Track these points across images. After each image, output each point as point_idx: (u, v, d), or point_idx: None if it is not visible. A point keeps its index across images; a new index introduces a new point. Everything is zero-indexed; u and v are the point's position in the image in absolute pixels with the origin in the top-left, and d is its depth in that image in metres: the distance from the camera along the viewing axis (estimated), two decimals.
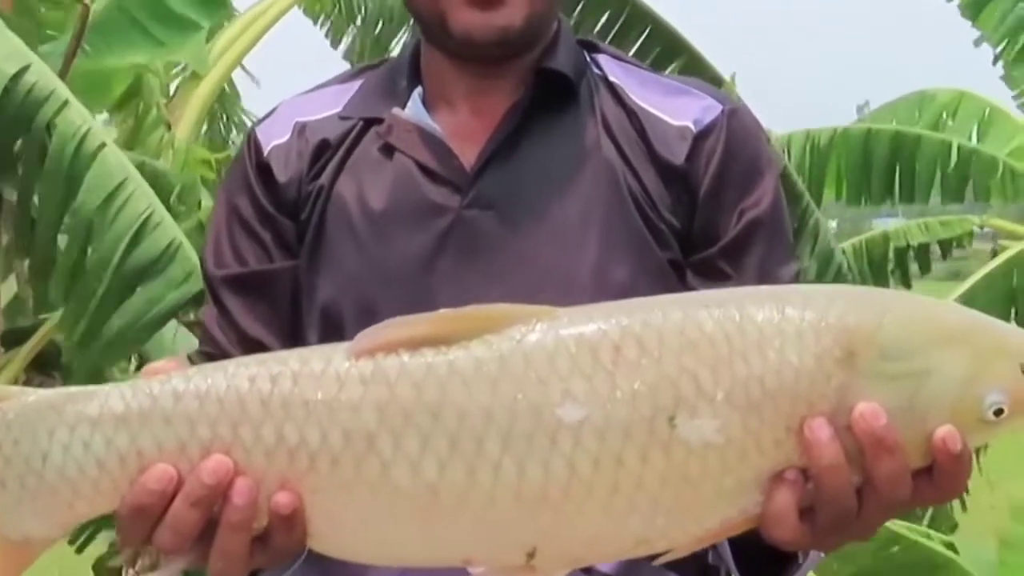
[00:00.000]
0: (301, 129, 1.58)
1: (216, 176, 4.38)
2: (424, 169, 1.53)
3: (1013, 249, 5.20)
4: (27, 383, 3.32)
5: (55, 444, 1.12)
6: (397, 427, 1.10)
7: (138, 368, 3.61)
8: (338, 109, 1.60)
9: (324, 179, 1.55)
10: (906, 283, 6.24)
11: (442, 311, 1.17)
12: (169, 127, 4.28)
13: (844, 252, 5.94)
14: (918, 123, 6.48)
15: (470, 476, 1.10)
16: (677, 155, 1.53)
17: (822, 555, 1.40)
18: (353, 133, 1.57)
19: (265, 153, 1.57)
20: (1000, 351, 1.16)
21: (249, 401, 1.11)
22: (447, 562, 1.18)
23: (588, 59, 1.61)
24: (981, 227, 6.20)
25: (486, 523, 1.12)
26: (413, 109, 1.56)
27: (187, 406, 1.11)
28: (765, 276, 1.49)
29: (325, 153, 1.56)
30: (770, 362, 1.12)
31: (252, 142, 1.60)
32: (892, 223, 6.09)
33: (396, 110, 1.56)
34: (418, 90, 1.57)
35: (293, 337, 1.52)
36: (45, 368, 3.42)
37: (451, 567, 1.18)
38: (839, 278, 5.83)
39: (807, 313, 1.14)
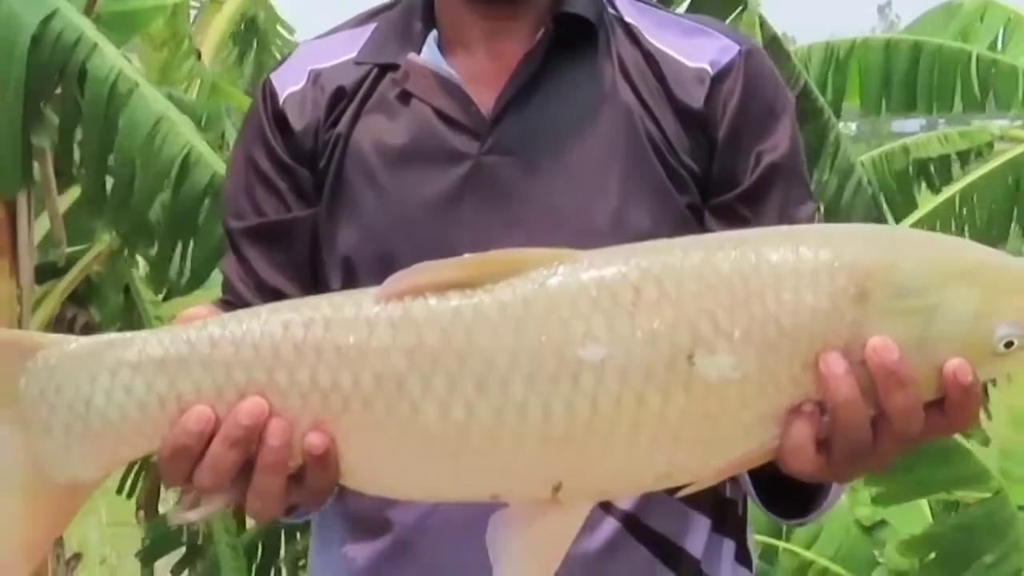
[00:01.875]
0: (316, 77, 1.59)
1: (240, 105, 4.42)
2: (442, 115, 1.54)
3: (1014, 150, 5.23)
4: (63, 316, 3.40)
5: (97, 389, 1.17)
6: (426, 370, 1.16)
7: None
8: (353, 54, 1.60)
9: (342, 127, 1.56)
10: (933, 189, 6.25)
11: (467, 256, 1.22)
12: (199, 56, 4.31)
13: (863, 165, 5.95)
14: (944, 34, 6.45)
15: (497, 416, 1.16)
16: (695, 98, 1.55)
17: (842, 495, 1.45)
18: (369, 79, 1.58)
19: (281, 102, 1.58)
20: (1011, 286, 1.20)
21: (283, 346, 1.16)
22: (476, 497, 1.24)
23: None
24: (1001, 137, 6.19)
25: (513, 461, 1.18)
26: (429, 54, 1.56)
27: (223, 351, 1.16)
28: (784, 219, 1.52)
29: (341, 101, 1.57)
30: (786, 301, 1.17)
31: (267, 91, 1.61)
32: (909, 126, 6.09)
33: (412, 55, 1.56)
34: (433, 34, 1.57)
35: (313, 284, 1.55)
36: (81, 301, 3.49)
37: (480, 503, 1.25)
38: (859, 192, 5.83)
39: (822, 253, 1.19)
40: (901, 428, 1.21)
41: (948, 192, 5.47)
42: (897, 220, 5.98)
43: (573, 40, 1.57)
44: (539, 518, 1.21)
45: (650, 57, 1.58)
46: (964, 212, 5.65)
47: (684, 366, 1.17)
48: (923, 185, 6.07)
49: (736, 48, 1.59)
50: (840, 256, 1.20)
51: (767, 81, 1.60)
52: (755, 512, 1.56)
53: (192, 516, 1.24)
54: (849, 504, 3.43)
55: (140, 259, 3.50)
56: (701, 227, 1.54)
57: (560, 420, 1.17)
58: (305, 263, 1.57)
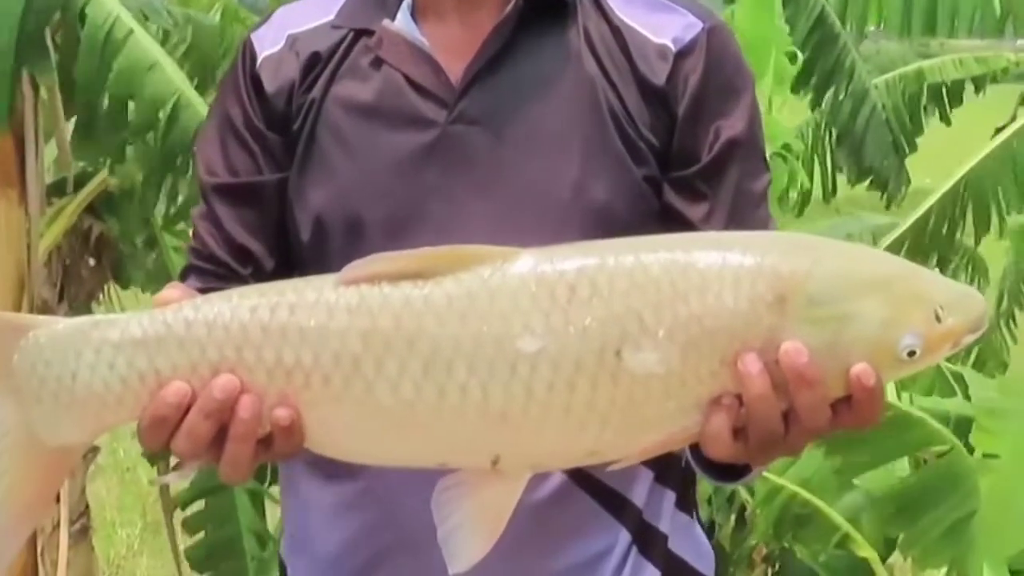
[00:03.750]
0: (292, 42, 1.64)
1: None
2: (412, 83, 1.59)
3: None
4: (80, 226, 3.48)
5: (83, 364, 1.30)
6: (379, 352, 1.28)
7: None
8: (330, 17, 1.65)
9: (316, 91, 1.61)
10: (946, 120, 6.25)
11: (423, 249, 1.33)
12: None
13: (877, 88, 5.96)
14: None
15: (441, 395, 1.28)
16: (658, 75, 1.60)
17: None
18: (344, 44, 1.63)
19: (258, 64, 1.63)
20: (917, 298, 1.31)
21: (251, 328, 1.29)
22: (424, 464, 1.36)
23: None
24: (1017, 64, 6.18)
25: (455, 435, 1.30)
26: (403, 21, 1.61)
27: (197, 332, 1.29)
28: (740, 193, 1.61)
29: (316, 66, 1.62)
30: (708, 304, 1.28)
31: (247, 50, 1.66)
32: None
33: (386, 22, 1.61)
34: (408, 1, 1.62)
35: (278, 244, 1.62)
36: (98, 214, 3.57)
37: (428, 469, 1.36)
38: (873, 116, 5.85)
39: (745, 260, 1.30)
40: (808, 421, 1.32)
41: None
42: (911, 146, 6.01)
43: (543, 12, 1.61)
44: (482, 487, 1.33)
45: (617, 31, 1.62)
46: None
47: (612, 360, 1.28)
48: (936, 111, 6.08)
49: (700, 25, 1.63)
50: (761, 264, 1.30)
51: (728, 58, 1.65)
52: None
53: (171, 479, 1.35)
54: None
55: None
56: (658, 199, 1.60)
57: (497, 402, 1.28)
58: (273, 223, 1.63)
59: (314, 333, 1.29)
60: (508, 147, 1.58)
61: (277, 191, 1.63)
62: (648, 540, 1.68)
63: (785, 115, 4.31)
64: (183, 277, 1.67)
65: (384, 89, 1.60)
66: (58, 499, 3.26)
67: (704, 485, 3.81)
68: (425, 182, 1.58)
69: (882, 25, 6.11)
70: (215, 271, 1.64)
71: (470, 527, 1.33)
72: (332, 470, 1.63)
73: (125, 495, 6.02)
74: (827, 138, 5.89)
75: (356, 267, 1.32)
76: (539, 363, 1.27)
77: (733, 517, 4.05)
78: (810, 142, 5.87)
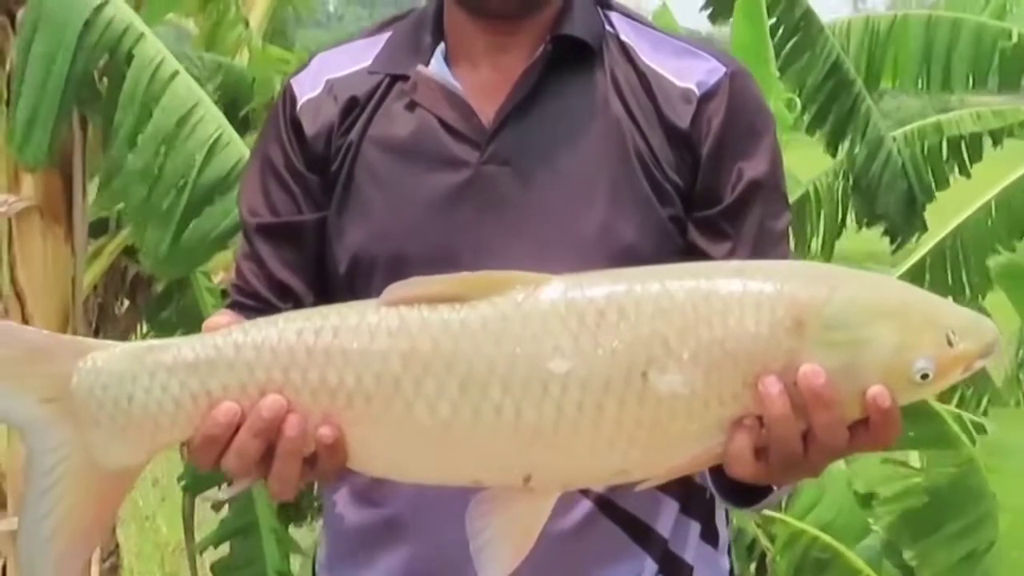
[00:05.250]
0: (331, 87, 1.70)
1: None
2: (445, 125, 1.65)
3: None
4: (117, 266, 3.53)
5: (138, 387, 1.36)
6: (418, 373, 1.34)
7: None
8: (367, 63, 1.71)
9: (354, 135, 1.68)
10: (965, 172, 6.30)
11: (460, 274, 1.40)
12: (247, 24, 4.43)
13: (896, 140, 6.02)
14: (983, 12, 6.47)
15: (476, 415, 1.34)
16: (682, 118, 1.66)
17: (788, 490, 1.60)
18: (380, 88, 1.69)
19: (298, 108, 1.70)
20: (929, 324, 1.37)
21: (297, 350, 1.35)
22: (459, 482, 1.42)
23: (602, 16, 1.71)
24: None
25: (489, 453, 1.36)
26: (436, 67, 1.67)
27: (246, 355, 1.35)
28: (761, 232, 1.66)
29: (354, 110, 1.69)
30: (730, 328, 1.34)
31: (287, 95, 1.73)
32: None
33: (420, 67, 1.67)
34: (441, 47, 1.69)
35: (319, 280, 1.68)
36: (133, 254, 3.60)
37: (464, 487, 1.42)
38: (889, 164, 5.91)
39: (765, 287, 1.36)
40: (826, 441, 1.37)
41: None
42: (927, 196, 6.06)
43: (571, 56, 1.67)
44: (513, 503, 1.38)
45: (643, 76, 1.68)
46: None
47: (639, 381, 1.34)
48: (955, 165, 6.14)
49: (723, 70, 1.69)
50: (781, 291, 1.36)
51: (750, 101, 1.70)
52: None
53: (224, 496, 1.39)
54: (848, 474, 3.57)
55: None
56: (683, 238, 1.65)
57: (530, 420, 1.34)
58: (312, 261, 1.69)
59: (356, 355, 1.35)
60: (537, 187, 1.63)
61: (316, 230, 1.69)
62: (673, 571, 1.71)
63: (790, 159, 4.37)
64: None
65: (419, 131, 1.66)
66: None
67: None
68: (459, 220, 1.63)
69: (897, 83, 6.17)
70: (256, 306, 1.68)
71: (501, 541, 1.38)
72: (373, 498, 1.69)
73: (144, 544, 6.03)
74: (841, 185, 5.95)
75: (396, 289, 1.38)
76: (569, 384, 1.33)
77: (753, 566, 4.07)
78: (824, 190, 5.92)
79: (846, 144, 5.87)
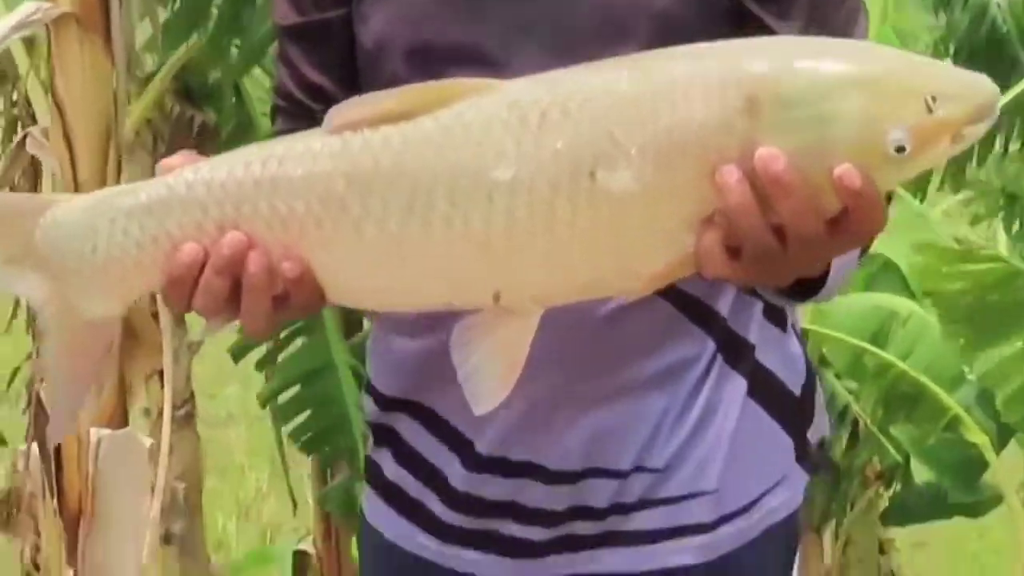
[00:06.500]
0: None
1: None
2: None
3: None
4: (184, 115, 3.47)
5: (100, 236, 1.37)
6: (363, 192, 1.30)
7: None
8: None
9: None
10: None
11: (401, 88, 1.35)
12: None
13: (999, 6, 5.79)
14: None
15: (426, 229, 1.29)
16: None
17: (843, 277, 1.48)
18: None
19: None
20: (904, 88, 1.23)
21: (245, 183, 1.33)
22: (433, 305, 1.38)
23: None
24: None
25: (448, 269, 1.32)
26: None
27: (197, 192, 1.34)
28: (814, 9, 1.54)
29: None
30: (678, 116, 1.24)
31: None
32: None
33: None
34: None
35: (350, 79, 1.65)
36: (197, 103, 3.54)
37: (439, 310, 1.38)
38: (993, 31, 5.69)
39: (715, 67, 1.26)
40: (799, 232, 1.24)
41: None
42: None
43: None
44: (495, 327, 1.33)
45: None
46: None
47: (587, 181, 1.26)
48: None
49: None
50: (730, 71, 1.24)
51: None
52: None
53: (200, 336, 1.36)
54: None
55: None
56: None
57: (479, 231, 1.28)
58: (343, 58, 1.65)
59: (301, 181, 1.30)
60: None
61: (343, 26, 1.65)
62: (735, 349, 1.64)
63: None
64: (272, 119, 1.74)
65: None
66: (162, 384, 3.31)
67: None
68: (483, 7, 1.56)
69: None
70: (293, 110, 1.68)
71: (489, 368, 1.33)
72: (413, 329, 1.66)
73: (254, 440, 6.10)
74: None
75: (340, 112, 1.34)
76: (516, 189, 1.26)
77: (846, 433, 3.97)
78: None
79: (945, 12, 5.66)
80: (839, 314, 3.56)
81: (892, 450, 3.61)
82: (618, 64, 1.31)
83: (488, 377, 1.33)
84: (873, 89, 1.23)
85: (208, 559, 3.81)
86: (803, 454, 1.72)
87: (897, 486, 4.10)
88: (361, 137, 1.31)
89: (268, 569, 4.29)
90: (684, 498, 1.64)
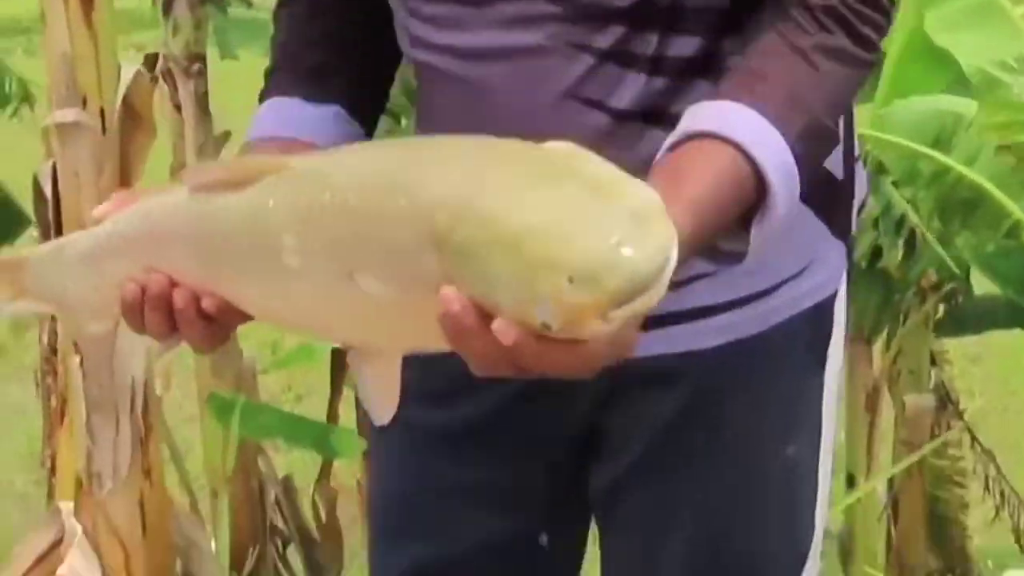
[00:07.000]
0: None
1: None
2: None
3: None
4: None
5: (66, 279, 1.51)
6: (212, 251, 1.39)
7: None
8: None
9: None
10: None
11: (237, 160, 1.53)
12: None
13: None
14: None
15: (260, 287, 1.37)
16: None
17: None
18: None
19: None
20: (546, 262, 1.11)
21: (140, 238, 1.44)
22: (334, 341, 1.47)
23: None
24: None
25: (295, 327, 1.51)
26: None
27: (116, 244, 1.45)
28: None
29: None
30: (395, 243, 1.20)
31: None
32: None
33: None
34: None
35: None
36: None
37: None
38: None
39: (416, 194, 1.19)
40: (484, 367, 1.20)
41: None
42: None
43: None
44: (371, 359, 1.34)
45: None
46: None
47: (348, 279, 1.24)
48: None
49: None
50: (426, 202, 1.18)
51: None
52: None
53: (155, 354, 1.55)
54: None
55: None
56: None
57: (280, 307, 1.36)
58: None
59: (175, 236, 1.40)
60: None
61: None
62: None
63: None
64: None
65: None
66: None
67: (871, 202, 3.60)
68: None
69: None
70: None
71: (371, 392, 1.36)
72: None
73: None
74: None
75: (192, 175, 1.45)
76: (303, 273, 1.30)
77: (901, 242, 3.83)
78: None
79: None
80: (898, 118, 3.40)
81: (949, 261, 3.47)
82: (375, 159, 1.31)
83: (374, 397, 1.36)
84: (520, 257, 1.11)
85: (240, 353, 3.81)
86: (843, 230, 1.65)
87: (954, 300, 3.99)
88: (207, 199, 1.37)
89: (308, 364, 4.29)
90: (692, 280, 1.55)
